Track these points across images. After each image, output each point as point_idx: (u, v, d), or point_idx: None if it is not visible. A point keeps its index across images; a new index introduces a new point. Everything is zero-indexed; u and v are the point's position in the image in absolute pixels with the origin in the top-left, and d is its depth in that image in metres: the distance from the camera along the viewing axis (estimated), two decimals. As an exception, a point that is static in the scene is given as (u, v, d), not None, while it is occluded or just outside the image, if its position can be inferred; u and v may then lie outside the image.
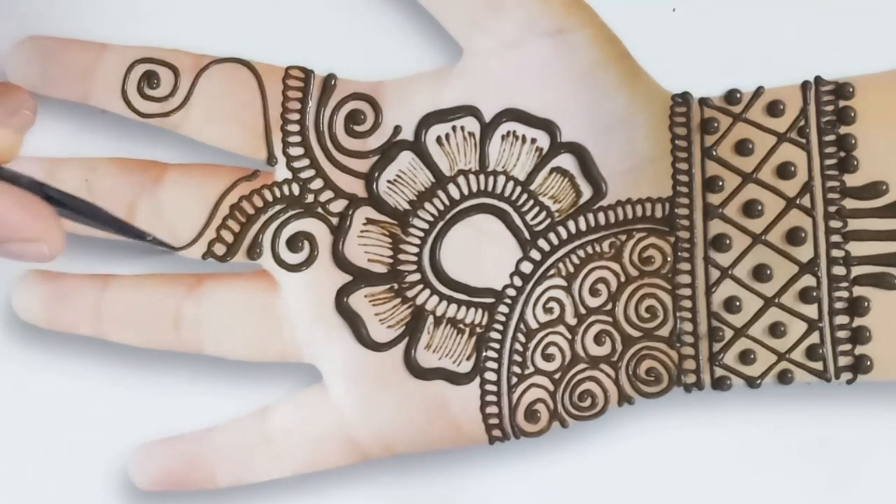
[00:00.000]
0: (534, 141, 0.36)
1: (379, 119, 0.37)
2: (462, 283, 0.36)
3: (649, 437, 0.37)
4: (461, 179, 0.37)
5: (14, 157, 0.31)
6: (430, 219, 0.36)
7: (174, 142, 0.37)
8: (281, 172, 0.36)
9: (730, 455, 0.37)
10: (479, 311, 0.36)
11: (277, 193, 0.36)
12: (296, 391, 0.36)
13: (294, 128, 0.36)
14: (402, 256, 0.36)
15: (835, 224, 0.36)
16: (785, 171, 0.36)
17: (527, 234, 0.36)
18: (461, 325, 0.36)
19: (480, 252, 0.36)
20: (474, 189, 0.36)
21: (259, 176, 0.36)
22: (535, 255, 0.36)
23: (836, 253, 0.35)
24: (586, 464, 0.37)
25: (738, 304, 0.36)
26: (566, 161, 0.36)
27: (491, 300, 0.36)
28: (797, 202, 0.36)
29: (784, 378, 0.36)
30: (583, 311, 0.36)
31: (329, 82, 0.37)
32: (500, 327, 0.36)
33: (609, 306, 0.36)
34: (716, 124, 0.36)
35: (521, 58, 0.36)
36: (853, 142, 0.36)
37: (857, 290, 0.35)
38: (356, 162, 0.37)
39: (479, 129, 0.36)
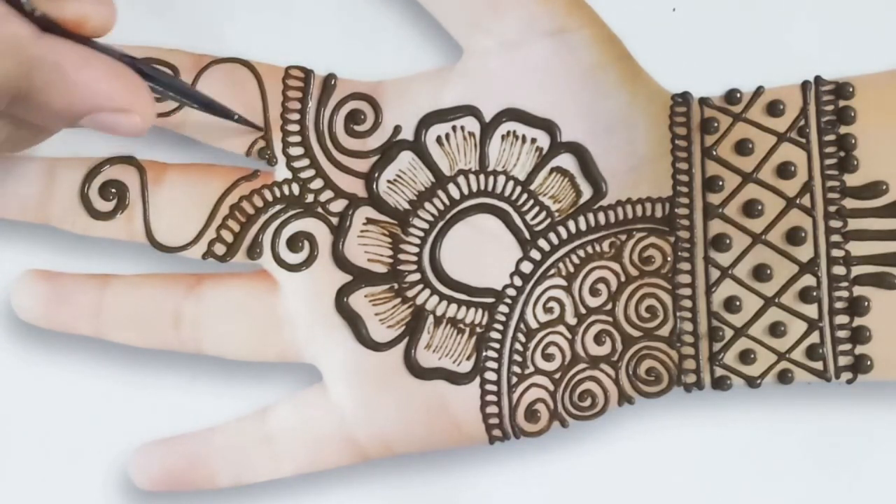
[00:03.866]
0: (534, 141, 0.36)
1: (379, 119, 0.37)
2: (462, 283, 0.36)
3: (649, 437, 0.37)
4: (461, 179, 0.37)
5: (109, 30, 0.31)
6: (430, 219, 0.36)
7: (174, 142, 0.37)
8: (281, 172, 0.36)
9: (730, 455, 0.37)
10: (479, 310, 0.36)
11: (277, 193, 0.36)
12: (296, 391, 0.36)
13: (294, 128, 0.36)
14: (402, 256, 0.36)
15: (835, 224, 0.36)
16: (785, 170, 0.36)
17: (527, 234, 0.36)
18: (461, 325, 0.36)
19: (480, 252, 0.36)
20: (474, 189, 0.36)
21: (259, 176, 0.36)
22: (536, 254, 0.36)
23: (836, 253, 0.36)
24: (586, 464, 0.37)
25: (738, 303, 0.36)
26: (566, 161, 0.36)
27: (491, 300, 0.36)
28: (797, 202, 0.36)
29: (784, 378, 0.36)
30: (583, 310, 0.36)
31: (329, 82, 0.37)
32: (500, 327, 0.36)
33: (609, 306, 0.36)
34: (716, 124, 0.36)
35: (522, 58, 0.36)
36: (853, 142, 0.36)
37: (857, 290, 0.35)
38: (356, 162, 0.37)
39: (479, 128, 0.36)
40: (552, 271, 0.36)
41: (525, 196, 0.36)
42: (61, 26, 0.30)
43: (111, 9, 0.30)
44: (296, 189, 0.36)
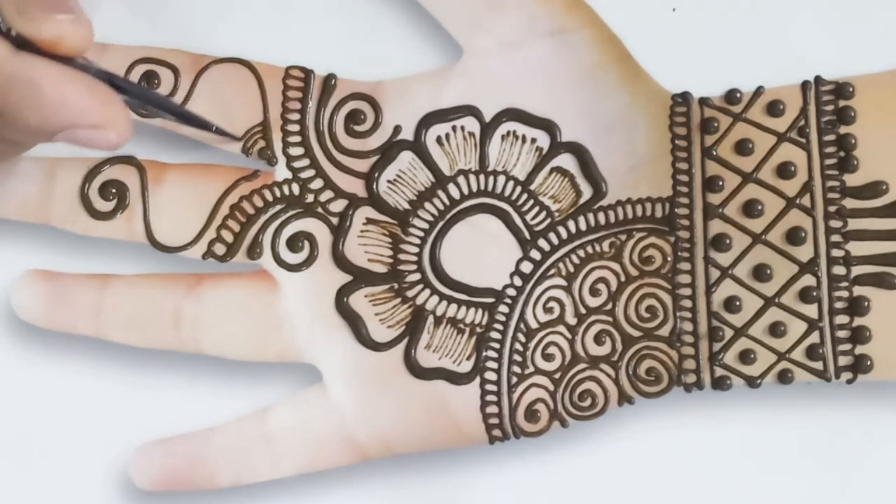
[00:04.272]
0: (534, 141, 0.36)
1: (379, 119, 0.37)
2: (462, 283, 0.36)
3: (649, 437, 0.37)
4: (461, 179, 0.37)
5: (85, 50, 0.31)
6: (430, 219, 0.36)
7: (174, 142, 0.37)
8: (281, 172, 0.37)
9: (730, 455, 0.37)
10: (480, 310, 0.36)
11: (277, 193, 0.36)
12: (296, 391, 0.36)
13: (294, 128, 0.36)
14: (402, 256, 0.36)
15: (835, 224, 0.36)
16: (785, 170, 0.36)
17: (527, 234, 0.36)
18: (461, 325, 0.36)
19: (480, 252, 0.36)
20: (474, 189, 0.36)
21: (259, 176, 0.36)
22: (536, 254, 0.36)
23: (836, 253, 0.36)
24: (586, 464, 0.37)
25: (738, 303, 0.36)
26: (566, 161, 0.36)
27: (491, 300, 0.36)
28: (797, 202, 0.36)
29: (784, 378, 0.36)
30: (583, 310, 0.36)
31: (329, 82, 0.37)
32: (500, 327, 0.36)
33: (609, 306, 0.36)
34: (716, 124, 0.36)
35: (522, 58, 0.36)
36: (853, 142, 0.36)
37: (857, 290, 0.35)
38: (356, 162, 0.37)
39: (479, 128, 0.36)
40: (552, 271, 0.36)
41: (525, 196, 0.36)
42: (37, 46, 0.30)
43: (87, 29, 0.31)
44: (296, 189, 0.36)
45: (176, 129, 0.36)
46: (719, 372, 0.36)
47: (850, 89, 0.36)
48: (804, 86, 0.36)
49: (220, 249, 0.36)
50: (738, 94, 0.36)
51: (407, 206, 0.36)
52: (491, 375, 0.36)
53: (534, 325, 0.36)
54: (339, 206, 0.36)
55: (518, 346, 0.36)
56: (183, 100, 0.36)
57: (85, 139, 0.31)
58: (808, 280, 0.36)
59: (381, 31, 0.38)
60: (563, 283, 0.36)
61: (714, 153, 0.36)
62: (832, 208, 0.36)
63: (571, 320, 0.36)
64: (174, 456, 0.36)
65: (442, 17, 0.37)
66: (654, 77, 0.36)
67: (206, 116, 0.36)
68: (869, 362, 0.35)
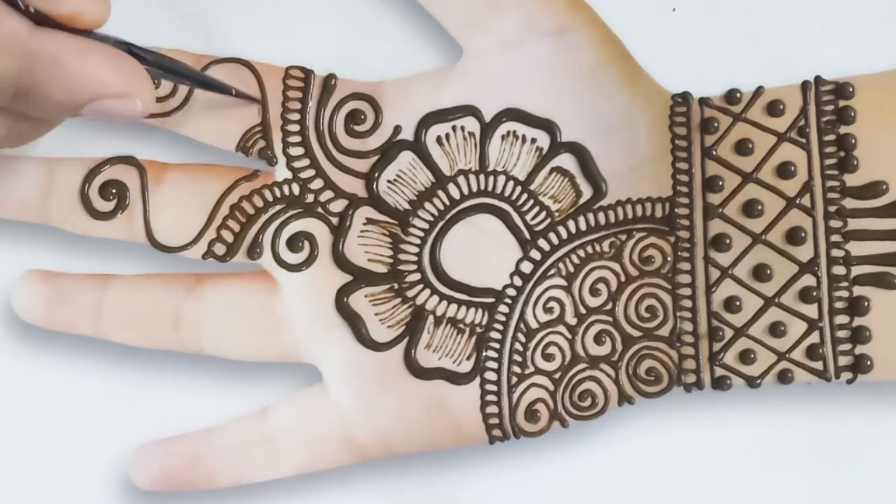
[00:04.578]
0: (534, 141, 0.36)
1: (379, 119, 0.37)
2: (462, 283, 0.36)
3: (649, 437, 0.37)
4: (461, 179, 0.37)
5: (103, 23, 0.31)
6: (430, 219, 0.36)
7: (174, 142, 0.37)
8: (281, 172, 0.36)
9: (730, 455, 0.37)
10: (480, 310, 0.36)
11: (277, 193, 0.36)
12: (296, 391, 0.36)
13: (294, 128, 0.36)
14: (402, 256, 0.36)
15: (835, 224, 0.36)
16: (785, 170, 0.36)
17: (527, 234, 0.36)
18: (461, 325, 0.36)
19: (480, 252, 0.36)
20: (474, 189, 0.36)
21: (259, 176, 0.36)
22: (536, 254, 0.36)
23: (836, 253, 0.36)
24: (586, 464, 0.37)
25: (738, 303, 0.36)
26: (566, 161, 0.36)
27: (491, 300, 0.36)
28: (797, 202, 0.36)
29: (784, 378, 0.36)
30: (583, 310, 0.36)
31: (329, 82, 0.37)
32: (500, 327, 0.36)
33: (609, 306, 0.36)
34: (716, 124, 0.36)
35: (521, 58, 0.36)
36: (853, 141, 0.36)
37: (857, 290, 0.35)
38: (356, 162, 0.37)
39: (479, 128, 0.36)
40: (552, 271, 0.36)
41: (525, 196, 0.36)
42: (56, 21, 0.30)
43: (106, 3, 0.31)
44: (296, 189, 0.36)
45: (176, 129, 0.36)
46: (719, 372, 0.36)
47: (850, 89, 0.36)
48: (804, 86, 0.36)
49: (220, 249, 0.36)
50: (738, 94, 0.36)
51: (407, 206, 0.36)
52: (491, 375, 0.36)
53: (534, 325, 0.36)
54: (339, 206, 0.36)
55: (518, 346, 0.36)
56: (183, 100, 0.36)
57: (111, 109, 0.31)
58: (808, 280, 0.36)
59: (381, 31, 0.38)
60: (563, 283, 0.36)
61: (714, 153, 0.36)
62: (832, 208, 0.36)
63: (571, 320, 0.36)
64: (174, 456, 0.36)
65: (442, 17, 0.37)
66: (654, 77, 0.36)
67: (207, 118, 0.36)
68: (869, 362, 0.35)
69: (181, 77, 0.34)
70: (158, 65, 0.33)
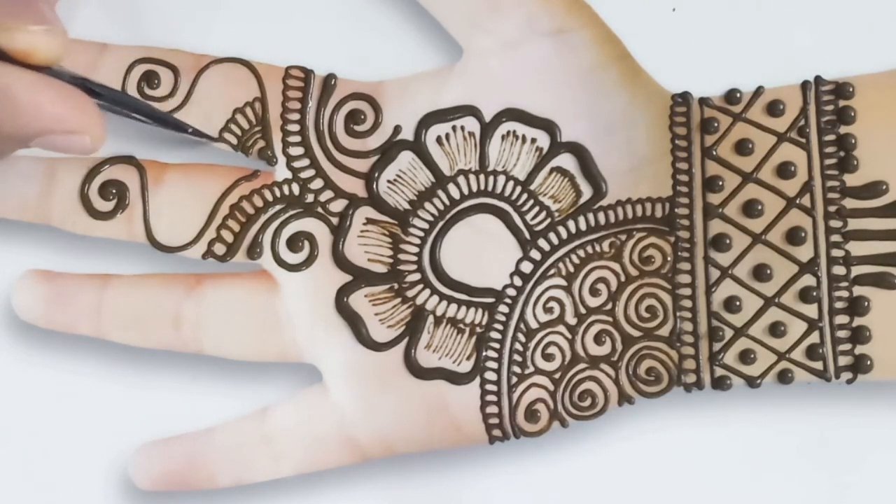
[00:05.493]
0: (534, 141, 0.36)
1: (379, 119, 0.37)
2: (462, 283, 0.36)
3: (649, 437, 0.37)
4: (461, 179, 0.37)
5: (59, 60, 0.31)
6: (430, 219, 0.36)
7: (174, 142, 0.37)
8: (281, 172, 0.37)
9: (730, 455, 0.37)
10: (479, 310, 0.36)
11: (277, 193, 0.36)
12: (296, 391, 0.36)
13: (294, 128, 0.36)
14: (402, 256, 0.36)
15: (835, 224, 0.36)
16: (785, 170, 0.36)
17: (527, 234, 0.36)
18: (461, 325, 0.36)
19: (480, 252, 0.36)
20: (474, 189, 0.36)
21: (259, 176, 0.36)
22: (536, 254, 0.36)
23: (836, 253, 0.36)
24: (586, 464, 0.37)
25: (738, 303, 0.36)
26: (566, 161, 0.36)
27: (491, 300, 0.36)
28: (797, 202, 0.36)
29: (784, 378, 0.36)
30: (583, 310, 0.36)
31: (329, 82, 0.37)
32: (500, 327, 0.36)
33: (609, 306, 0.36)
34: (716, 124, 0.36)
35: (521, 58, 0.36)
36: (853, 141, 0.36)
37: (857, 290, 0.35)
38: (356, 162, 0.37)
39: (479, 128, 0.36)
40: (552, 271, 0.36)
41: (525, 196, 0.36)
42: (9, 56, 0.30)
43: (61, 39, 0.31)
44: (296, 189, 0.36)
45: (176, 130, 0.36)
46: (719, 372, 0.36)
47: (850, 89, 0.36)
48: (804, 86, 0.36)
49: (220, 249, 0.36)
50: (738, 94, 0.36)
51: (407, 206, 0.36)
52: (491, 375, 0.36)
53: (534, 325, 0.36)
54: (339, 206, 0.36)
55: (518, 346, 0.36)
56: (183, 100, 0.36)
57: (60, 145, 0.31)
58: (808, 280, 0.36)
59: (381, 31, 0.38)
60: (563, 283, 0.36)
61: (714, 153, 0.36)
62: (832, 208, 0.36)
63: (571, 320, 0.36)
64: (174, 456, 0.36)
65: (442, 17, 0.37)
66: (654, 77, 0.36)
67: (207, 118, 0.36)
68: (869, 362, 0.35)
69: (138, 113, 0.35)
70: (113, 100, 0.34)
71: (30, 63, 0.31)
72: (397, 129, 0.36)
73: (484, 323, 0.36)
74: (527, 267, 0.36)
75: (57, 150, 0.31)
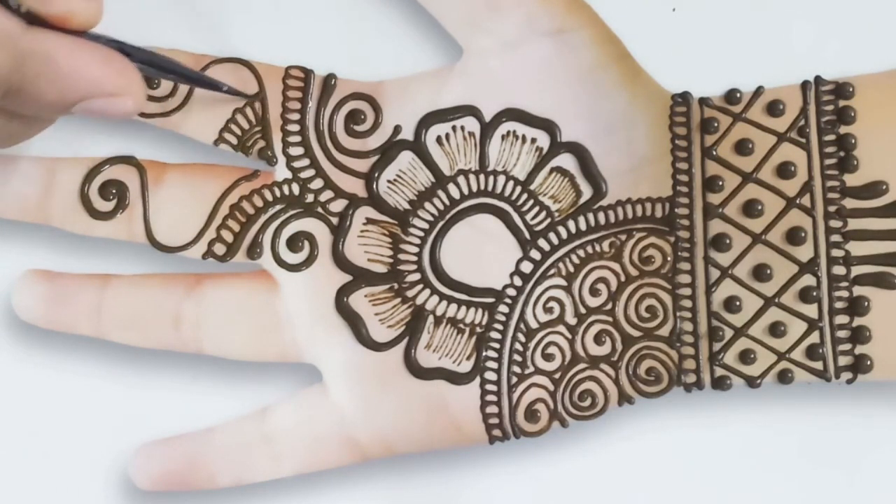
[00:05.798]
0: (534, 141, 0.36)
1: (379, 119, 0.37)
2: (462, 283, 0.36)
3: (649, 437, 0.37)
4: (461, 179, 0.37)
5: (95, 24, 0.31)
6: (430, 218, 0.36)
7: (174, 142, 0.37)
8: (281, 172, 0.36)
9: (730, 455, 0.37)
10: (479, 310, 0.36)
11: (277, 193, 0.36)
12: (296, 391, 0.36)
13: (294, 128, 0.36)
14: (402, 256, 0.36)
15: (835, 224, 0.36)
16: (785, 170, 0.36)
17: (527, 234, 0.36)
18: (461, 325, 0.36)
19: (480, 252, 0.36)
20: (474, 189, 0.36)
21: (259, 176, 0.36)
22: (536, 254, 0.36)
23: (836, 253, 0.36)
24: (586, 464, 0.37)
25: (738, 303, 0.36)
26: (566, 161, 0.36)
27: (491, 300, 0.36)
28: (797, 202, 0.36)
29: (784, 378, 0.36)
30: (583, 310, 0.36)
31: (329, 82, 0.37)
32: (500, 327, 0.36)
33: (609, 306, 0.36)
34: (716, 124, 0.36)
35: (521, 58, 0.36)
36: (853, 141, 0.36)
37: (857, 290, 0.35)
38: (356, 162, 0.37)
39: (479, 128, 0.36)
40: (552, 271, 0.36)
41: (525, 196, 0.36)
42: (47, 22, 0.30)
43: (98, 3, 0.31)
44: (296, 189, 0.36)
45: (176, 129, 0.36)
46: (719, 372, 0.36)
47: (850, 89, 0.36)
48: (804, 86, 0.36)
49: (220, 249, 0.36)
50: (738, 94, 0.36)
51: (407, 206, 0.36)
52: (491, 375, 0.36)
53: (534, 325, 0.36)
54: (339, 205, 0.36)
55: (518, 346, 0.36)
56: (183, 100, 0.36)
57: (102, 108, 0.31)
58: (808, 280, 0.36)
59: (381, 31, 0.38)
60: (563, 283, 0.36)
61: (714, 153, 0.36)
62: (832, 208, 0.36)
63: (571, 320, 0.36)
64: (174, 456, 0.36)
65: (442, 17, 0.36)
66: (654, 77, 0.36)
67: (207, 118, 0.36)
68: (869, 362, 0.35)
69: (173, 75, 0.34)
70: (150, 63, 0.33)
71: (67, 28, 0.31)
72: (397, 129, 0.36)
73: (484, 323, 0.36)
74: (527, 267, 0.36)
75: (99, 114, 0.31)
